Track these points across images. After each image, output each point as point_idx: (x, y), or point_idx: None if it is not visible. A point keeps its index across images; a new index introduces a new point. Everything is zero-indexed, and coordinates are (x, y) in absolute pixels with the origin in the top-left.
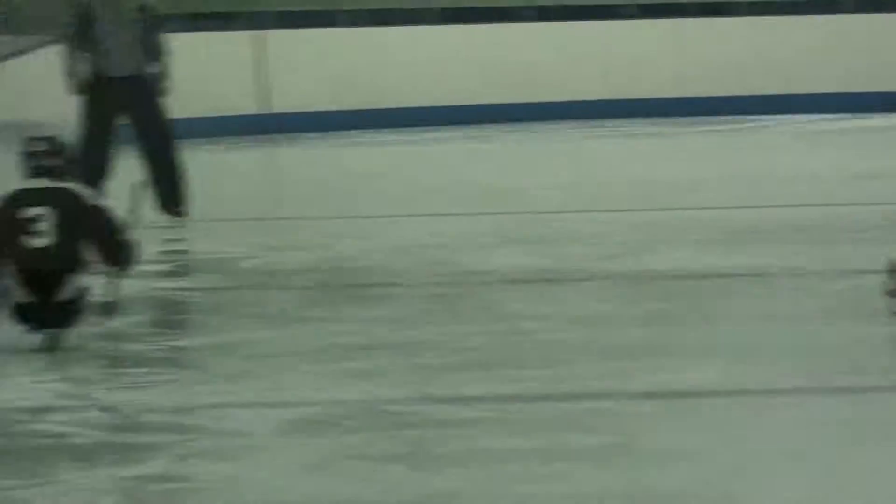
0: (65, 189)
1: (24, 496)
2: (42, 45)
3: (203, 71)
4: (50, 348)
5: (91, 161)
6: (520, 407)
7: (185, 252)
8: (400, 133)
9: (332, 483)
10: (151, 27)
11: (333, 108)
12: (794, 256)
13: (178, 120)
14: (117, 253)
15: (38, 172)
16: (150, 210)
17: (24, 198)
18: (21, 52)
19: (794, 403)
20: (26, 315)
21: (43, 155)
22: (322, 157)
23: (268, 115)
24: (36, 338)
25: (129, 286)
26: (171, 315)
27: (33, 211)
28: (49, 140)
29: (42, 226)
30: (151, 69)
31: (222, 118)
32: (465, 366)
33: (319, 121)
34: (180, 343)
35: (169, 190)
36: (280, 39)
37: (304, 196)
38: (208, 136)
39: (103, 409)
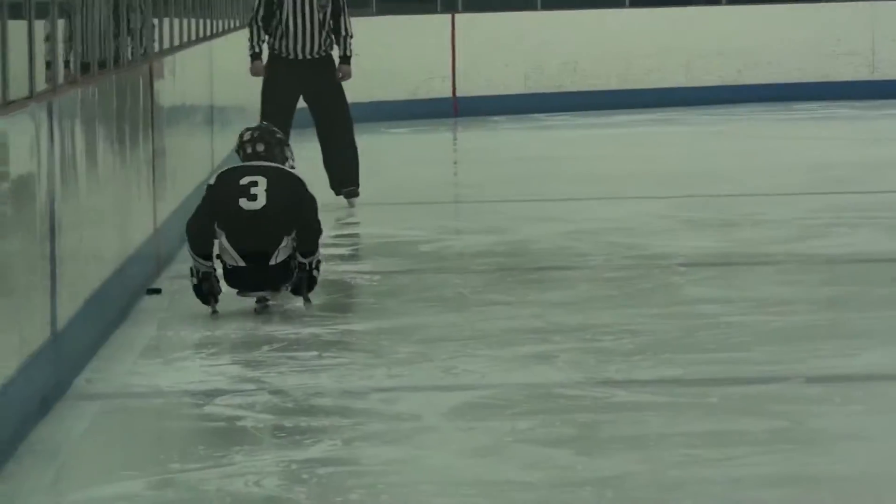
0: (284, 170)
1: (195, 478)
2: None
3: (394, 54)
4: (260, 311)
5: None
6: (692, 391)
7: (362, 235)
8: (588, 116)
9: (500, 467)
10: (335, 10)
11: (522, 91)
12: None
13: (367, 103)
14: (312, 242)
15: (254, 157)
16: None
17: (244, 170)
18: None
19: None
20: (238, 278)
21: (257, 143)
22: (508, 141)
23: (457, 98)
24: (245, 300)
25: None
26: (345, 298)
27: (251, 178)
28: (261, 130)
29: (258, 190)
30: (334, 52)
31: (412, 101)
32: (640, 349)
33: (508, 104)
34: (354, 327)
35: (344, 172)
36: (470, 22)
37: (487, 179)
38: (397, 119)
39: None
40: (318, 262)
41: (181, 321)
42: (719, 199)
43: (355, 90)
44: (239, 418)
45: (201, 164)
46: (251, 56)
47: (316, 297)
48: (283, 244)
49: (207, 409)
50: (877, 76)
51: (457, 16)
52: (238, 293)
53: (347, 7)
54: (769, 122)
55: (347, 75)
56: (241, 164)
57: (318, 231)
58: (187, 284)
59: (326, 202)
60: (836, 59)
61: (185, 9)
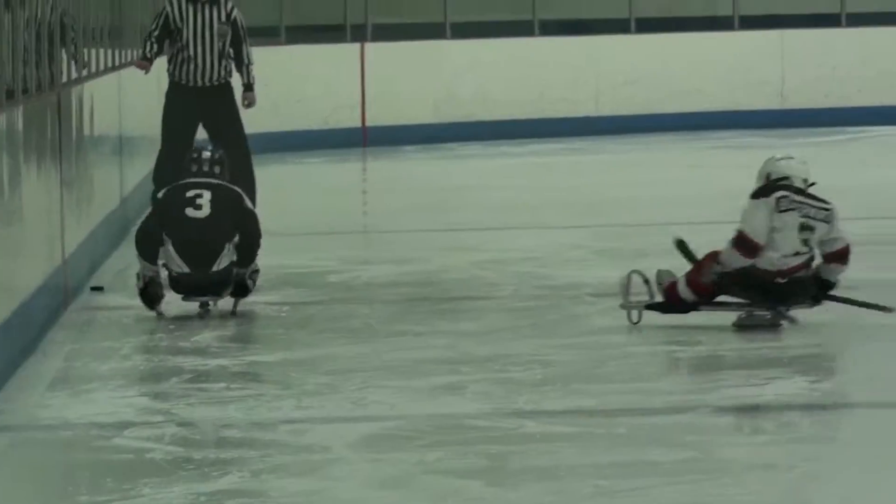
0: (225, 184)
1: None
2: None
3: (303, 83)
4: (202, 315)
5: (168, 165)
6: (602, 421)
7: (270, 266)
8: (499, 145)
9: (409, 498)
10: (235, 38)
11: (432, 120)
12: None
13: (276, 133)
14: (251, 254)
15: (200, 174)
16: None
17: (190, 184)
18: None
19: (867, 416)
20: (183, 284)
21: (205, 162)
22: (418, 170)
23: (367, 128)
24: (189, 306)
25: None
26: (254, 329)
27: (196, 191)
28: (210, 151)
29: (203, 201)
30: (235, 79)
31: (322, 131)
32: (550, 380)
33: (418, 133)
34: (262, 358)
35: None
36: (379, 51)
37: (397, 209)
38: (307, 149)
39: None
40: (255, 271)
41: (89, 353)
42: (631, 228)
43: (264, 120)
44: (147, 450)
45: (110, 194)
46: (141, 57)
47: (222, 329)
48: (225, 251)
49: (116, 441)
50: (787, 105)
51: (366, 45)
52: (182, 298)
53: (248, 35)
54: (681, 151)
55: (253, 102)
56: (187, 179)
57: (258, 244)
58: (95, 316)
59: None
60: (747, 88)
61: (94, 39)
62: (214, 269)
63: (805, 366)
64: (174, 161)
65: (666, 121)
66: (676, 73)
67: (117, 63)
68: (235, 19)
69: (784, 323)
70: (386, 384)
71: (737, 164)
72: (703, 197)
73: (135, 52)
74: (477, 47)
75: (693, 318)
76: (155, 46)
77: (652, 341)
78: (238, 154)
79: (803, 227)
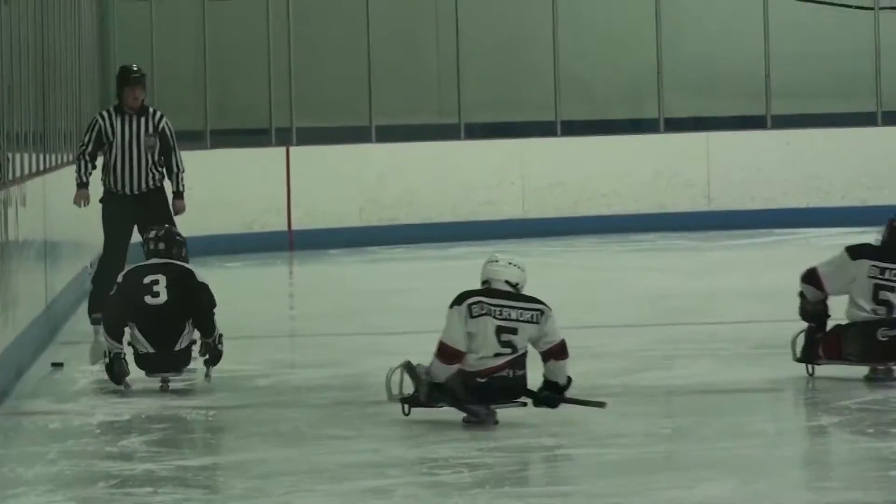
0: (177, 265)
1: None
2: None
3: (228, 186)
4: (163, 389)
5: (109, 270)
6: None
7: (197, 370)
8: (425, 248)
9: None
10: (165, 148)
11: (357, 223)
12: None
13: (202, 236)
14: (209, 325)
15: (155, 255)
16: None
17: (146, 269)
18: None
19: None
20: (147, 363)
21: (159, 241)
22: (344, 274)
23: (293, 231)
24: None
25: (142, 404)
26: (180, 434)
27: (152, 276)
28: (165, 231)
29: (159, 288)
30: (166, 185)
31: (247, 235)
32: (478, 483)
33: (344, 237)
34: (189, 462)
35: None
36: (304, 155)
37: (323, 312)
38: (232, 252)
39: None
40: (220, 336)
41: (15, 459)
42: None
43: (189, 223)
44: None
45: (35, 299)
46: (78, 185)
47: (149, 433)
48: (186, 331)
49: None
50: (712, 207)
51: (291, 148)
52: (146, 374)
53: (178, 143)
54: (606, 253)
55: (181, 210)
56: (144, 262)
57: (212, 314)
58: (21, 422)
59: None
60: (673, 190)
61: (18, 143)
62: (176, 348)
63: (735, 466)
64: (113, 264)
65: (592, 223)
66: (602, 175)
67: (42, 168)
68: (164, 129)
69: (497, 421)
70: (314, 488)
71: (658, 266)
72: (619, 300)
73: (60, 157)
74: (402, 151)
75: (616, 418)
76: (89, 165)
77: (580, 444)
78: None
79: (501, 330)
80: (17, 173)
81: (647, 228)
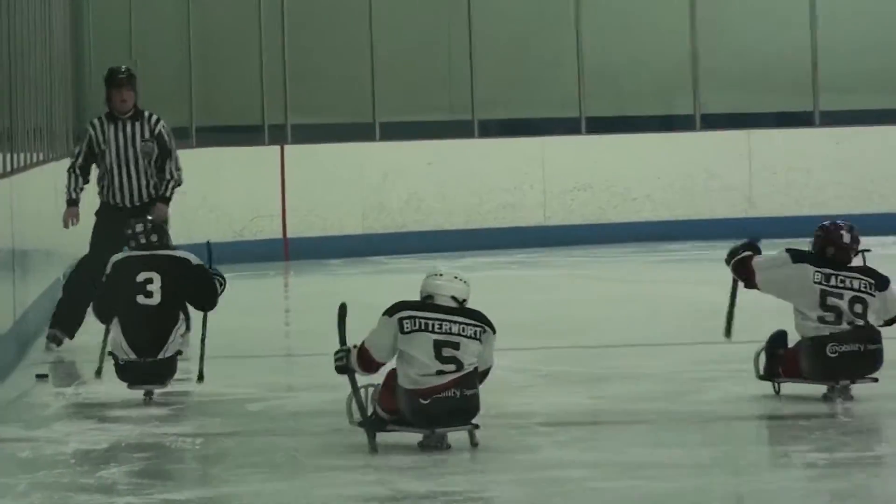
0: (173, 257)
1: None
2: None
3: (217, 190)
4: (146, 402)
5: (85, 280)
6: None
7: (184, 393)
8: (433, 259)
9: None
10: (162, 154)
11: (359, 230)
12: None
13: (187, 245)
14: (211, 297)
15: (141, 246)
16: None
17: (139, 264)
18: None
19: None
20: (129, 372)
21: (151, 234)
22: (344, 286)
23: (289, 239)
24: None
25: (121, 431)
26: (165, 464)
27: (146, 274)
28: (142, 223)
29: (153, 287)
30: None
31: (238, 243)
32: None
33: (344, 245)
34: (174, 496)
35: None
36: (301, 154)
37: (322, 330)
38: (221, 262)
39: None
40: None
41: None
42: (584, 350)
43: (173, 232)
44: None
45: (2, 314)
46: (67, 202)
47: (130, 463)
48: (172, 339)
49: None
50: (754, 213)
51: (286, 147)
52: (128, 386)
53: (175, 151)
54: (637, 264)
55: (160, 216)
56: (136, 254)
57: (214, 292)
58: None
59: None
60: (710, 194)
61: None
62: (160, 356)
63: (778, 501)
64: (91, 273)
65: (620, 231)
66: (632, 177)
67: (10, 168)
68: (160, 133)
69: (449, 445)
70: None
71: (694, 279)
72: (651, 316)
73: (29, 157)
74: (409, 150)
75: (649, 447)
76: (80, 180)
77: (611, 475)
78: None
79: (441, 344)
80: None
81: (682, 237)
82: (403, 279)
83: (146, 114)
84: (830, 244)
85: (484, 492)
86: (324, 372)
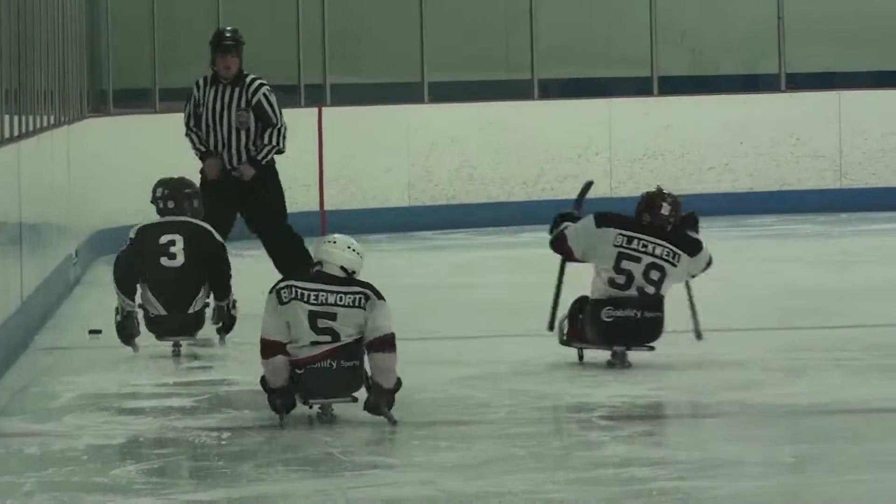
0: (194, 224)
1: None
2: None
3: None
4: (175, 353)
5: None
6: None
7: (209, 382)
8: (487, 234)
9: None
10: (264, 119)
11: (405, 203)
12: None
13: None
14: (224, 288)
15: (168, 213)
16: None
17: (161, 228)
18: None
19: None
20: (159, 326)
21: (168, 200)
22: (388, 265)
23: (326, 212)
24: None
25: (139, 424)
26: (188, 461)
27: (169, 237)
28: (172, 187)
29: (176, 249)
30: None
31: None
32: None
33: (388, 219)
34: (198, 496)
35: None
36: (341, 117)
37: None
38: (253, 238)
39: None
40: (234, 301)
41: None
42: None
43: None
44: None
45: (7, 296)
46: (201, 157)
47: (148, 460)
48: (200, 294)
49: None
50: (846, 183)
51: (324, 109)
52: (157, 338)
53: (280, 117)
54: (715, 241)
55: (243, 174)
56: (158, 220)
57: (229, 276)
58: None
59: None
60: (797, 162)
61: None
62: (190, 311)
63: None
64: None
65: (696, 203)
66: (709, 143)
67: (17, 133)
68: (259, 102)
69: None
70: None
71: (779, 256)
72: (731, 298)
73: (39, 120)
74: (460, 113)
75: (728, 443)
76: (200, 134)
77: (682, 474)
78: (276, 235)
79: (316, 315)
80: None
81: (766, 210)
82: (452, 257)
83: (248, 79)
84: (647, 211)
85: (541, 492)
86: None
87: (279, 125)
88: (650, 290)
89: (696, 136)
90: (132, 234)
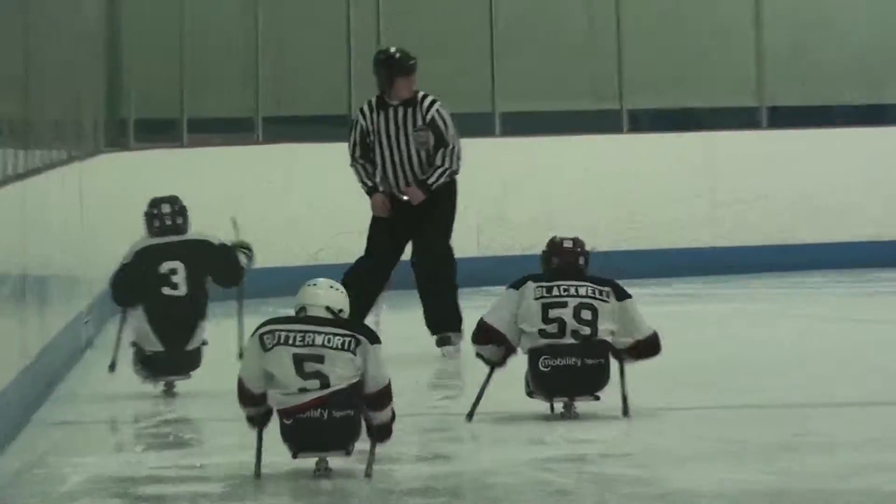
0: (195, 241)
1: None
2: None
3: (281, 198)
4: (167, 394)
5: (365, 284)
6: None
7: (244, 464)
8: None
9: None
10: (439, 139)
11: (474, 253)
12: None
13: (257, 270)
14: (235, 276)
15: (172, 232)
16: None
17: (161, 253)
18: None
19: None
20: (156, 364)
21: (176, 216)
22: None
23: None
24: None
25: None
26: None
27: (170, 265)
28: (179, 204)
29: (178, 279)
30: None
31: (313, 268)
32: None
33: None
34: None
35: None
36: None
37: (421, 380)
38: (290, 294)
39: None
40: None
41: None
42: (765, 411)
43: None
44: None
45: (6, 358)
46: (368, 192)
47: None
48: (199, 329)
49: None
50: None
51: None
52: (151, 378)
53: (454, 136)
54: (838, 298)
55: (414, 198)
56: (158, 241)
57: (237, 262)
58: None
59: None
60: None
61: None
62: (188, 348)
63: None
64: (367, 278)
65: (815, 253)
66: (829, 183)
67: (22, 170)
68: (433, 119)
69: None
70: None
71: None
72: (856, 365)
73: (47, 154)
74: (538, 147)
75: None
76: (367, 167)
77: None
78: (428, 250)
79: (302, 358)
80: None
81: (891, 262)
82: None
83: (419, 96)
84: (554, 255)
85: None
86: (421, 434)
87: (452, 145)
88: (586, 331)
89: (813, 175)
90: (131, 257)
